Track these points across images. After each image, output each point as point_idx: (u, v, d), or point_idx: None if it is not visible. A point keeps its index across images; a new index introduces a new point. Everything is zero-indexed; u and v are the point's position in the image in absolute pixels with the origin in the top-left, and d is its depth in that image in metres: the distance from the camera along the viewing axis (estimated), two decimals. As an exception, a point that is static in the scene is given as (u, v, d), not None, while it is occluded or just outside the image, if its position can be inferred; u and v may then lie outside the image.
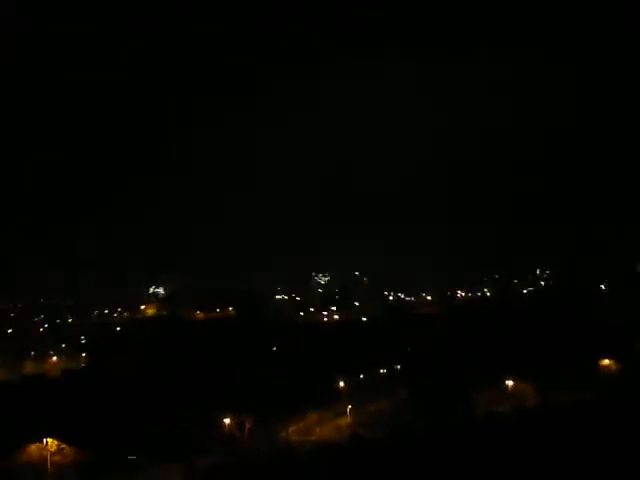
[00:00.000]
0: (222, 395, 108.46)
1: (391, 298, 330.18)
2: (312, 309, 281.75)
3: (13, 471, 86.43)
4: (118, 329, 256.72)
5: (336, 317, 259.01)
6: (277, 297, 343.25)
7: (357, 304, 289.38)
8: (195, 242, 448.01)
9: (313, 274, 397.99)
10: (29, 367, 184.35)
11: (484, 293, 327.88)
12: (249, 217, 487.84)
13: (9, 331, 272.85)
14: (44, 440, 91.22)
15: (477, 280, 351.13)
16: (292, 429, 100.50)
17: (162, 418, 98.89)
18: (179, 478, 78.27)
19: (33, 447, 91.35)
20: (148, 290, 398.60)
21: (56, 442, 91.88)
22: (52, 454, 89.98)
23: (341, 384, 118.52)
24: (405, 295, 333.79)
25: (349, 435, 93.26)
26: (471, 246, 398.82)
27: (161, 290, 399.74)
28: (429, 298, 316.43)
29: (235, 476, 73.44)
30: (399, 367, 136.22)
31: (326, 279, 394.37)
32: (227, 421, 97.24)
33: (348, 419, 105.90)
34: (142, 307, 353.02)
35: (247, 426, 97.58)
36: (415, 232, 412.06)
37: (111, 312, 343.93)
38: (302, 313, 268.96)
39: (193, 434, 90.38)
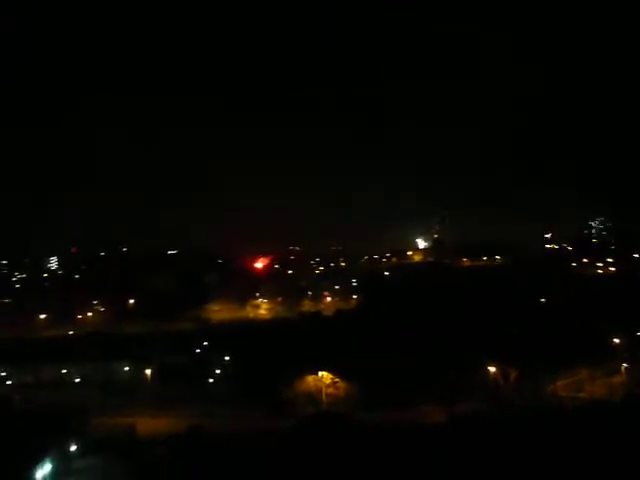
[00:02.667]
0: (488, 343, 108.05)
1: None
2: (585, 260, 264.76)
3: (294, 398, 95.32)
4: (386, 274, 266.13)
5: (611, 269, 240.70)
6: (547, 246, 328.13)
7: (637, 256, 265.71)
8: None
9: (591, 223, 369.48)
10: (307, 306, 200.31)
11: None
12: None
13: (289, 272, 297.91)
14: (319, 373, 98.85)
15: None
16: (560, 384, 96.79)
17: (428, 360, 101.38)
18: (441, 419, 79.79)
19: (310, 378, 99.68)
20: (416, 238, 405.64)
21: (330, 375, 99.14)
22: (326, 386, 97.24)
23: (615, 340, 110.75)
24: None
25: (623, 394, 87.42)
26: None
27: (422, 239, 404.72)
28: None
29: (497, 423, 72.97)
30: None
31: (600, 229, 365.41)
32: (492, 369, 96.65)
33: (622, 377, 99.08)
34: (409, 253, 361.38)
35: (512, 376, 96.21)
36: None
37: (380, 257, 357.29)
38: (574, 264, 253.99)
39: (457, 378, 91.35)
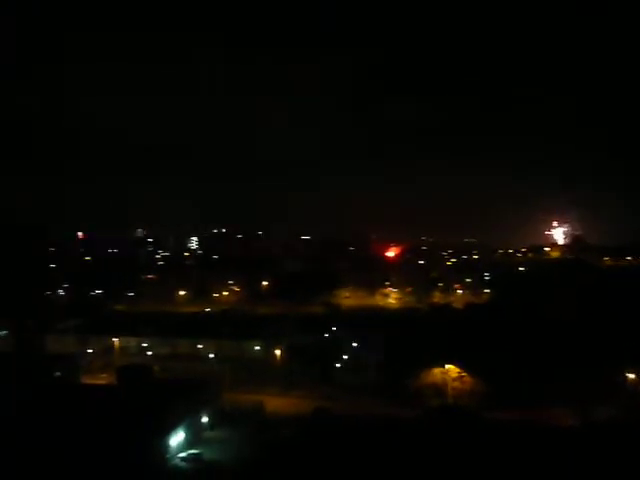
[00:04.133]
0: (629, 347, 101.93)
1: None
2: None
3: (419, 389, 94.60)
4: (521, 269, 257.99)
5: None
6: None
7: None
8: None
9: None
10: (437, 297, 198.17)
11: None
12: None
13: (420, 262, 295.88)
14: (446, 366, 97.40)
15: None
16: None
17: (561, 360, 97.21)
18: (574, 422, 76.31)
19: (436, 371, 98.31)
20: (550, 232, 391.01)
21: (457, 369, 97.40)
22: (453, 380, 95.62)
23: None
24: None
25: None
26: None
27: (560, 232, 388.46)
28: None
29: (636, 433, 68.74)
30: None
31: None
32: (631, 376, 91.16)
33: None
34: (546, 249, 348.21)
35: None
36: None
37: (515, 251, 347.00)
38: None
39: (592, 381, 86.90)
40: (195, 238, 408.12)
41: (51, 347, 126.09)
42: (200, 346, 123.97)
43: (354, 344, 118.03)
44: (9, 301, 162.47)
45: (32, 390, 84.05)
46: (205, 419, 79.62)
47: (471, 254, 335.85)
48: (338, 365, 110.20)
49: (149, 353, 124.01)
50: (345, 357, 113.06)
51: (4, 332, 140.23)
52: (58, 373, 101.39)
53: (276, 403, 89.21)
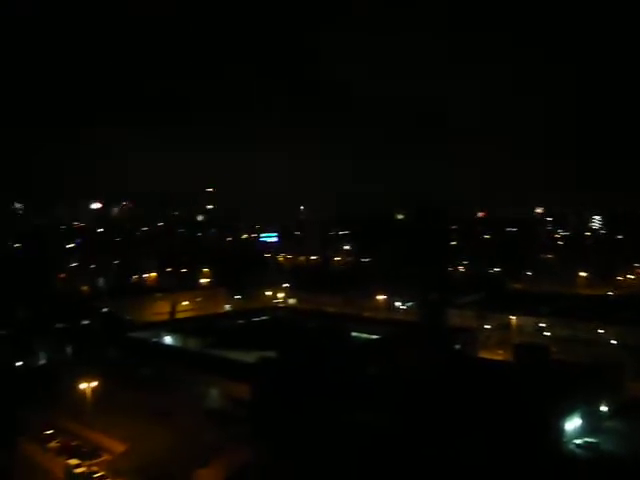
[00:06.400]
0: None
1: None
2: None
3: None
4: None
5: None
6: None
7: None
8: None
9: None
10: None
11: None
12: None
13: None
14: None
15: None
16: None
17: None
18: None
19: None
20: None
21: None
22: None
23: None
24: None
25: None
26: None
27: None
28: None
29: None
30: None
31: None
32: None
33: None
34: None
35: None
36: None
37: None
38: None
39: None
40: (598, 217, 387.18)
41: (452, 320, 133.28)
42: (601, 331, 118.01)
43: None
44: (417, 275, 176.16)
45: (435, 359, 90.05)
46: (604, 408, 76.15)
47: None
48: None
49: (546, 334, 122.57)
50: None
51: (411, 303, 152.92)
52: (458, 346, 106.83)
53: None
